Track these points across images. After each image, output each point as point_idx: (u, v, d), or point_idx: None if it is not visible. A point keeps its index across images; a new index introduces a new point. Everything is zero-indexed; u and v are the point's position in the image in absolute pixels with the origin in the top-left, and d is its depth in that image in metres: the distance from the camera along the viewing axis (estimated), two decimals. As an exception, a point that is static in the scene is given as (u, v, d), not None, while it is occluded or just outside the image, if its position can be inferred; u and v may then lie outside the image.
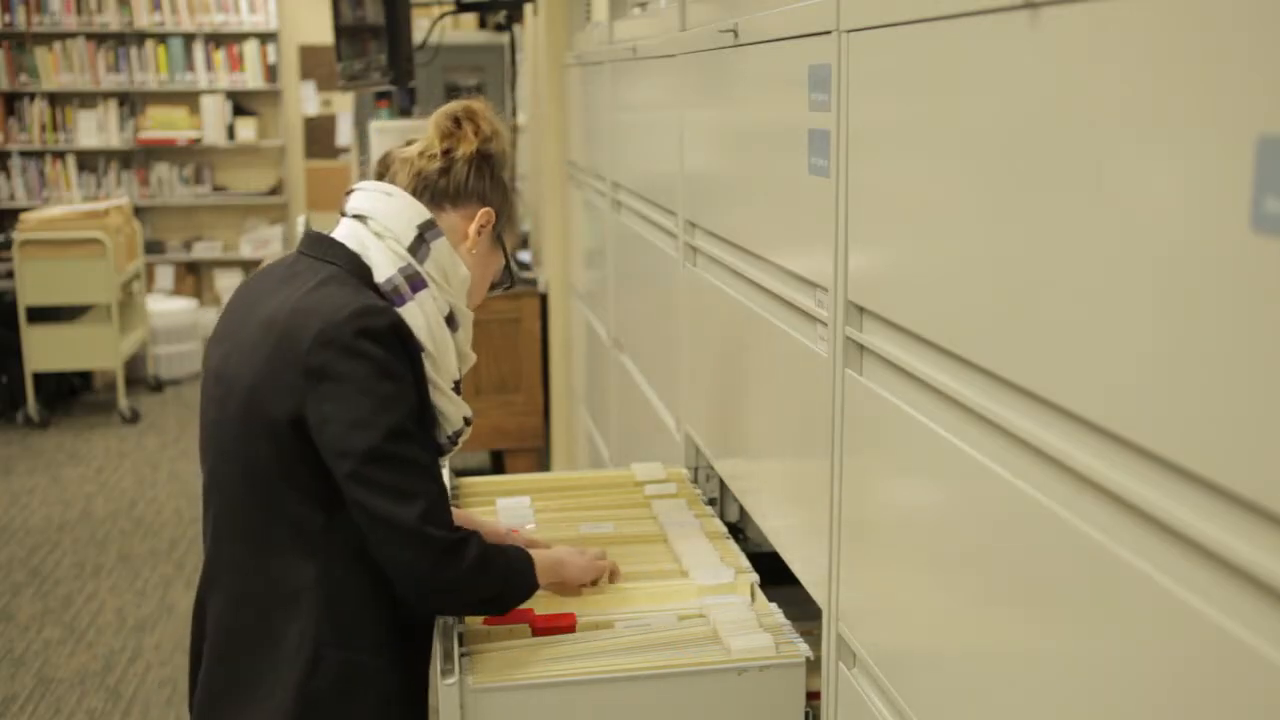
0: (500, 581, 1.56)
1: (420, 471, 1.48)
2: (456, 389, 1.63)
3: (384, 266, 1.57)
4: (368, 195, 1.62)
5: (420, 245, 1.58)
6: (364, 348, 1.46)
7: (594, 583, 1.73)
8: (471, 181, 1.65)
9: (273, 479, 1.51)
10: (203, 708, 1.61)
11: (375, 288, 1.56)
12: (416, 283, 1.57)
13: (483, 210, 1.66)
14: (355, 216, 1.61)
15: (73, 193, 8.15)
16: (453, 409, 1.61)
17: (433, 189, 1.64)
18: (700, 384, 2.14)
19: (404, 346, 1.50)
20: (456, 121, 1.67)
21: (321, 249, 1.59)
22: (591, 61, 3.30)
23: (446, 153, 1.65)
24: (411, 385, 1.51)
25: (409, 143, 1.70)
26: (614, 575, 1.76)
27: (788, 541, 1.63)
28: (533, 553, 1.65)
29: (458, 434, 1.65)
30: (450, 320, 1.61)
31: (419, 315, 1.55)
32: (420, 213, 1.60)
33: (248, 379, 1.51)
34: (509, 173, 1.74)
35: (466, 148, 1.65)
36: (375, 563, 1.52)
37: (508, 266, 1.74)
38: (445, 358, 1.59)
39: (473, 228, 1.66)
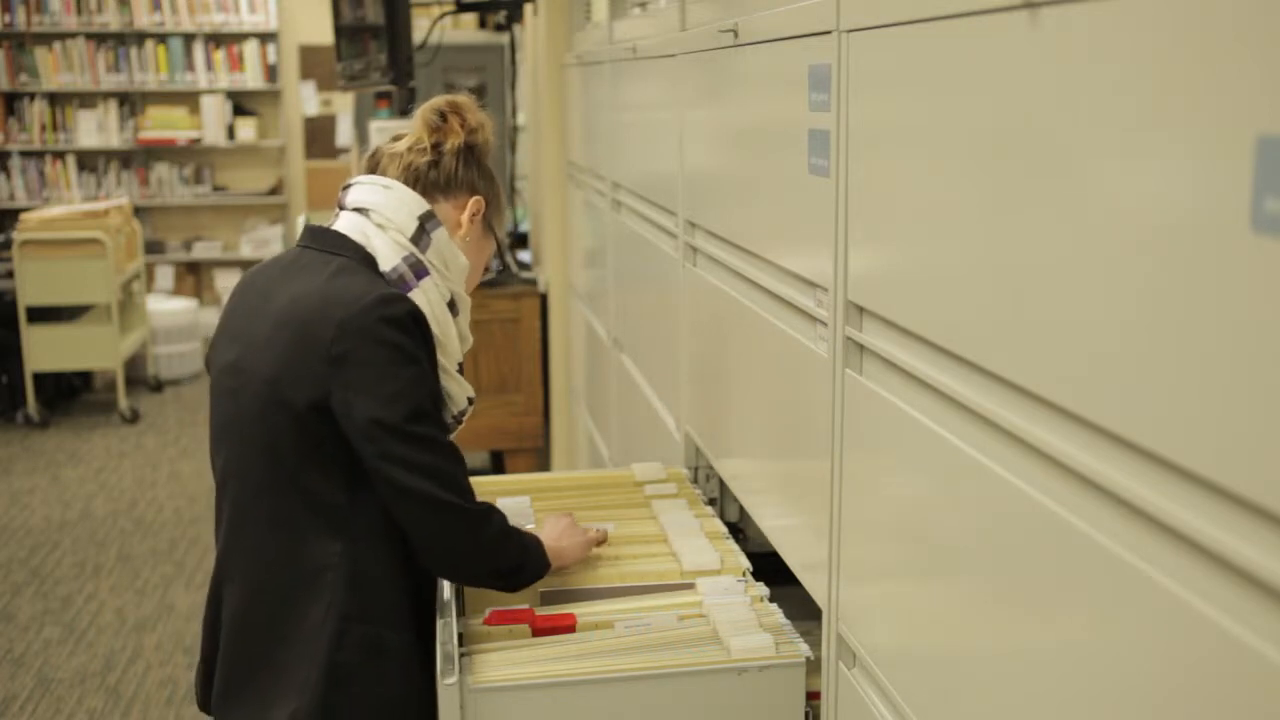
0: (520, 553, 1.64)
1: (442, 448, 1.56)
2: (460, 370, 1.72)
3: (388, 256, 1.63)
4: (367, 189, 1.68)
5: (422, 235, 1.66)
6: (385, 334, 1.53)
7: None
8: (460, 172, 1.73)
9: (296, 463, 1.57)
10: (224, 695, 1.64)
11: (382, 276, 1.62)
12: (420, 270, 1.64)
13: (473, 199, 1.74)
14: (355, 210, 1.67)
15: (73, 193, 8.15)
16: (458, 389, 1.70)
17: (424, 181, 1.71)
18: (700, 384, 2.14)
19: (421, 332, 1.58)
20: (442, 116, 1.73)
21: (325, 242, 1.65)
22: (591, 61, 3.30)
23: (435, 146, 1.72)
24: (428, 369, 1.59)
25: (396, 138, 1.76)
26: (603, 541, 1.86)
27: (788, 541, 1.63)
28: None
29: (462, 413, 1.73)
30: (451, 306, 1.68)
31: (424, 301, 1.62)
32: (420, 204, 1.67)
33: (267, 370, 1.57)
34: (492, 161, 1.82)
35: (454, 140, 1.72)
36: (395, 540, 1.60)
37: (499, 251, 1.83)
38: (449, 341, 1.67)
39: (465, 216, 1.73)
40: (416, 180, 1.70)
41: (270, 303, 1.61)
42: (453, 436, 1.73)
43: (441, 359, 1.64)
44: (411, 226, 1.65)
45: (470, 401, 1.74)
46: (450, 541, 1.57)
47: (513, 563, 1.64)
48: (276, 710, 1.58)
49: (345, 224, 1.66)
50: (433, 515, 1.55)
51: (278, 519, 1.60)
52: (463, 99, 1.76)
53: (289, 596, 1.59)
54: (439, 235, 1.67)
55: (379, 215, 1.65)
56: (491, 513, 1.61)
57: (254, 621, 1.62)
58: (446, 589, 1.71)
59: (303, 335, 1.54)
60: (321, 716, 1.56)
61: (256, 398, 1.58)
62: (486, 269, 1.83)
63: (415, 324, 1.57)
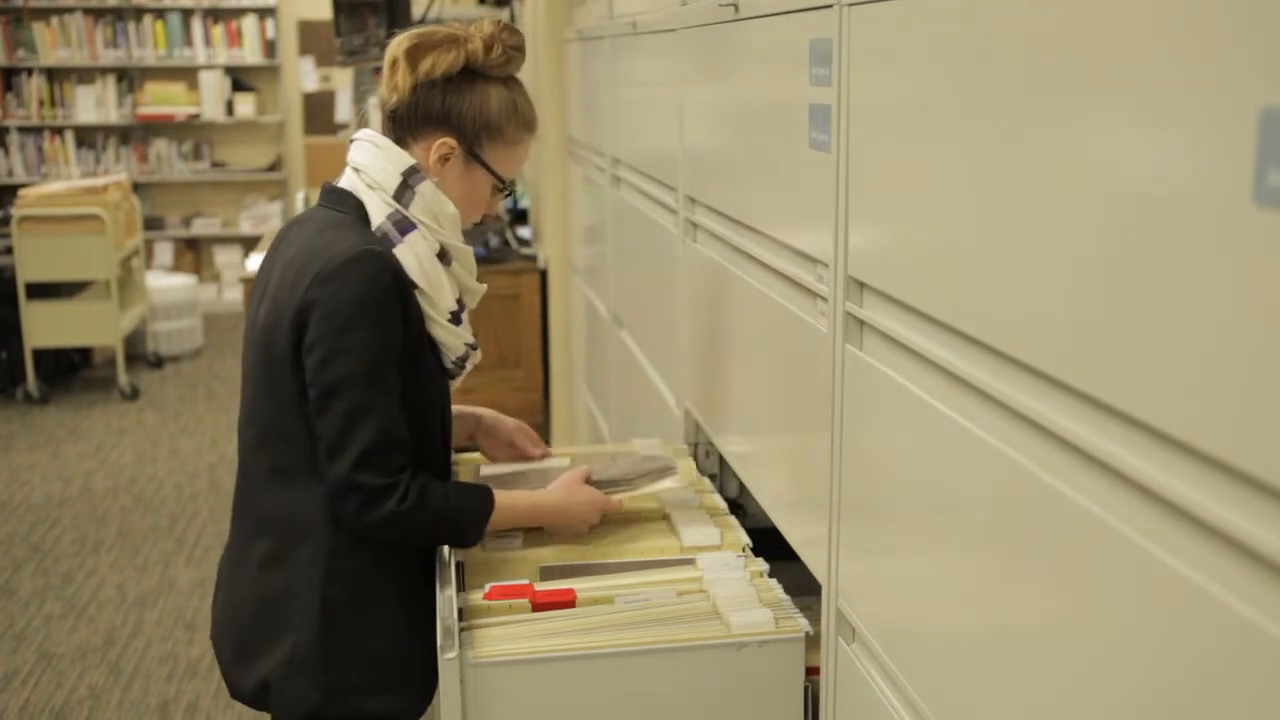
0: (441, 520, 1.66)
1: (367, 416, 1.59)
2: (455, 319, 1.73)
3: (375, 215, 1.69)
4: (361, 147, 1.74)
5: (405, 191, 1.69)
6: (352, 289, 1.59)
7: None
8: (421, 111, 1.71)
9: (291, 409, 1.65)
10: (224, 627, 1.77)
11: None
12: (405, 226, 1.67)
13: (440, 141, 1.71)
14: (353, 168, 1.74)
15: (71, 168, 8.13)
16: (451, 338, 1.73)
17: (395, 123, 1.73)
18: (700, 360, 2.14)
19: (396, 289, 1.62)
20: (394, 62, 1.72)
21: (332, 199, 1.74)
22: (591, 36, 3.28)
23: (393, 90, 1.72)
24: (396, 324, 1.62)
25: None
26: (613, 506, 1.84)
27: (787, 517, 1.63)
28: (531, 499, 1.79)
29: (462, 359, 1.76)
30: (443, 256, 1.70)
31: (410, 256, 1.66)
32: (403, 160, 1.70)
33: (264, 320, 1.67)
34: (491, 73, 1.72)
35: (404, 85, 1.70)
36: None
37: (497, 177, 1.75)
38: (439, 292, 1.69)
39: (433, 159, 1.71)
40: (392, 123, 1.73)
41: (279, 257, 1.71)
42: (457, 383, 1.81)
43: (429, 310, 1.68)
44: (394, 184, 1.68)
45: (472, 348, 1.76)
46: (342, 511, 1.62)
47: (436, 530, 1.67)
48: (278, 642, 1.68)
49: (346, 181, 1.74)
50: (331, 484, 1.62)
51: (275, 463, 1.70)
52: (406, 44, 1.69)
53: (283, 536, 1.69)
54: (424, 189, 1.69)
55: (367, 175, 1.71)
56: (395, 487, 1.60)
57: (252, 560, 1.72)
58: (445, 551, 1.74)
59: (291, 286, 1.63)
60: (320, 647, 1.66)
61: (255, 345, 1.69)
62: (498, 191, 1.77)
63: (390, 281, 1.61)
